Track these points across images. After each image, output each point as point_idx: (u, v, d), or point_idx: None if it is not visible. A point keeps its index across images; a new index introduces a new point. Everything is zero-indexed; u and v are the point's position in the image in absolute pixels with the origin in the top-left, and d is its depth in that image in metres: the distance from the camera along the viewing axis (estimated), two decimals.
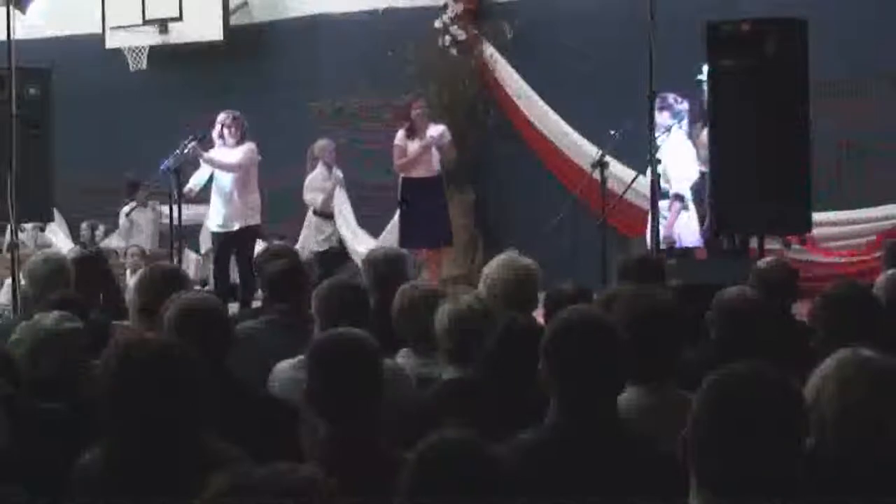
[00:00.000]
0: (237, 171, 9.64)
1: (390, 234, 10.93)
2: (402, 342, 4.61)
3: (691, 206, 9.28)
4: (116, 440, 3.01)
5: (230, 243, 9.74)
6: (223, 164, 9.66)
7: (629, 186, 9.19)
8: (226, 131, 9.72)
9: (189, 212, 10.00)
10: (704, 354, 4.27)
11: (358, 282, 5.05)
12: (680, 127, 9.09)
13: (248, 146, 9.70)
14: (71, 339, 4.04)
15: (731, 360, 2.44)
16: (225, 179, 9.72)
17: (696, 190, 9.20)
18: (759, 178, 7.78)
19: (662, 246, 8.36)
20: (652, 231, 8.06)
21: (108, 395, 3.01)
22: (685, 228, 9.08)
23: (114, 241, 12.40)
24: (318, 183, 10.96)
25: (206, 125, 9.87)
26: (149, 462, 2.94)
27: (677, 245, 8.67)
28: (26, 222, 10.21)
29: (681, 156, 9.04)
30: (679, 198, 9.01)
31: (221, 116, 9.81)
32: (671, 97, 8.79)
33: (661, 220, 9.04)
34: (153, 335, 3.31)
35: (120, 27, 12.85)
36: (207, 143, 9.85)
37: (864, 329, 3.85)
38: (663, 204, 8.72)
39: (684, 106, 9.16)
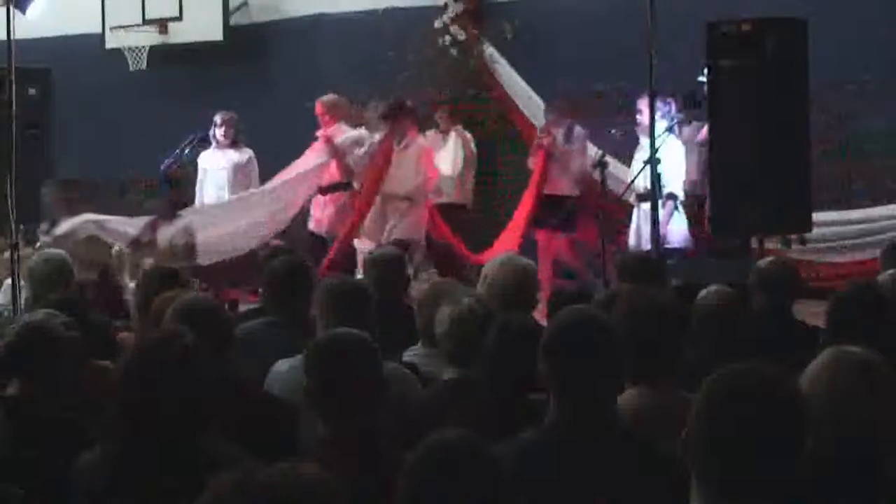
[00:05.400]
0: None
1: None
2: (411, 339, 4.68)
3: (681, 207, 9.29)
4: (121, 440, 3.01)
5: None
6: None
7: (629, 186, 9.19)
8: (218, 132, 9.77)
9: None
10: (704, 354, 4.28)
11: (362, 282, 5.05)
12: (674, 132, 9.08)
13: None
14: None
15: (712, 361, 2.44)
16: (222, 182, 9.78)
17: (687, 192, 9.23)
18: (759, 178, 7.78)
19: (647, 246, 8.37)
20: (652, 231, 8.06)
21: (126, 395, 3.00)
22: (675, 230, 9.07)
23: None
24: None
25: (206, 125, 9.90)
26: (150, 462, 2.95)
27: (667, 246, 8.65)
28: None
29: (673, 156, 9.04)
30: (672, 197, 9.01)
31: (217, 117, 9.86)
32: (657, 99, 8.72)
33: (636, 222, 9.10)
34: (172, 335, 3.28)
35: (120, 27, 12.85)
36: (206, 144, 9.88)
37: (873, 329, 3.85)
38: (646, 206, 8.73)
39: (672, 107, 9.15)
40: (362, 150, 9.54)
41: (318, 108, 9.73)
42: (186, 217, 8.95)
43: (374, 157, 9.44)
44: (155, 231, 8.74)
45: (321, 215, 9.67)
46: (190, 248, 8.72)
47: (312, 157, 9.65)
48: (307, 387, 3.25)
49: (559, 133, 9.74)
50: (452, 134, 10.33)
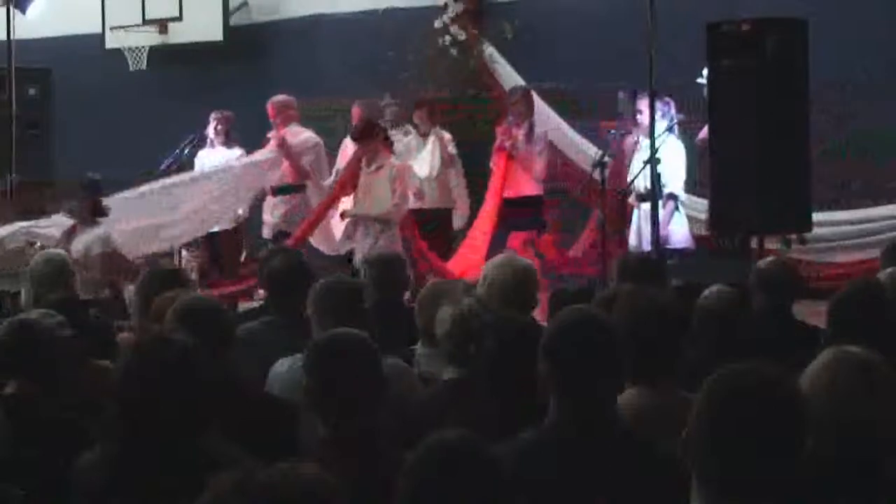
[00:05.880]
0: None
1: None
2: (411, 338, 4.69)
3: (681, 207, 9.27)
4: (121, 440, 3.01)
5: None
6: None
7: (628, 186, 9.18)
8: (211, 130, 9.79)
9: None
10: (704, 354, 4.28)
11: (355, 281, 5.04)
12: (673, 132, 9.08)
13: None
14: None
15: (712, 361, 2.44)
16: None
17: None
18: (759, 178, 7.78)
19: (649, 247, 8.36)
20: (653, 231, 8.07)
21: (126, 395, 3.00)
22: (676, 230, 9.06)
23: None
24: None
25: (206, 125, 9.91)
26: (150, 462, 2.95)
27: (668, 246, 8.63)
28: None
29: (673, 156, 9.03)
30: (672, 197, 9.00)
31: (211, 115, 9.88)
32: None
33: (637, 222, 9.07)
34: (171, 335, 3.29)
35: (120, 27, 12.86)
36: (204, 144, 9.90)
37: (873, 329, 3.85)
38: (646, 206, 8.71)
39: (670, 107, 9.14)
40: (330, 179, 9.49)
41: (270, 111, 9.68)
42: (106, 223, 8.19)
43: (341, 175, 9.33)
44: (70, 239, 7.98)
45: (269, 217, 9.64)
46: (107, 257, 7.93)
47: (258, 156, 9.62)
48: (307, 387, 3.25)
49: (520, 134, 9.66)
50: (431, 136, 10.21)
